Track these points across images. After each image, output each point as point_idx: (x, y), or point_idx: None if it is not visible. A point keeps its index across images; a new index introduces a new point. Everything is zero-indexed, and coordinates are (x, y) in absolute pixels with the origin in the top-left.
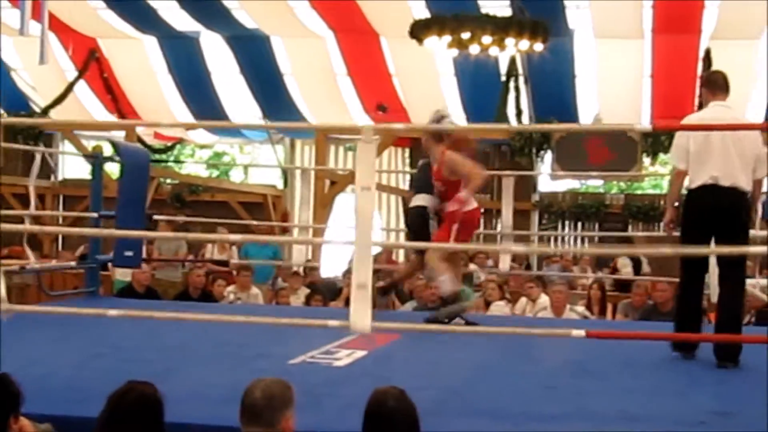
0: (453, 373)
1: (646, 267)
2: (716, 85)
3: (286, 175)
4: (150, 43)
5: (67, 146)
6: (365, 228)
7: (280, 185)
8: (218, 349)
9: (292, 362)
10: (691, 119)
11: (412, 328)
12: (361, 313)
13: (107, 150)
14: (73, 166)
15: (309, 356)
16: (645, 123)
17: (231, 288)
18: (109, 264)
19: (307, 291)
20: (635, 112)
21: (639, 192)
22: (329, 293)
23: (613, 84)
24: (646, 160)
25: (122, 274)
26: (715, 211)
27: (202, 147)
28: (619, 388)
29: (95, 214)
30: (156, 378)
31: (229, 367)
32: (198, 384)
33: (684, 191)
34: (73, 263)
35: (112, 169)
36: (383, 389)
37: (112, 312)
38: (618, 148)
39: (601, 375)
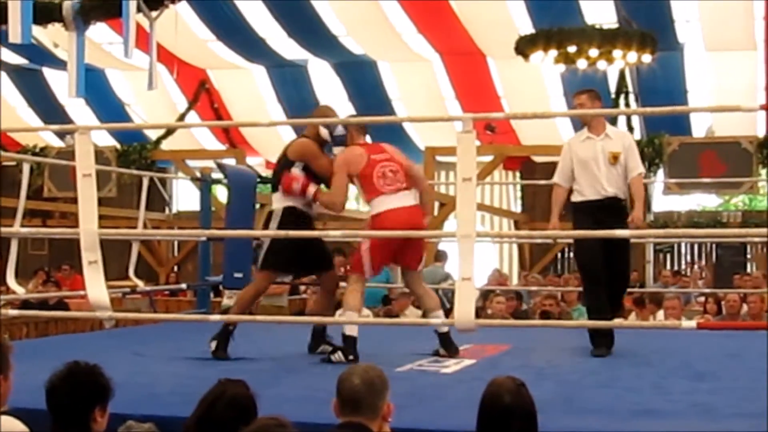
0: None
1: None
2: None
3: None
4: (258, 72)
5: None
6: (468, 219)
7: None
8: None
9: (399, 370)
10: None
11: (516, 323)
12: (465, 309)
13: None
14: (187, 199)
15: (417, 364)
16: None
17: (340, 311)
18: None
19: (416, 311)
20: (750, 125)
21: (757, 209)
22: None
23: (725, 98)
24: (763, 172)
25: (229, 297)
26: None
27: None
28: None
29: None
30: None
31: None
32: (303, 388)
33: None
34: (183, 285)
35: (221, 195)
36: (500, 380)
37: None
38: (731, 161)
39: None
